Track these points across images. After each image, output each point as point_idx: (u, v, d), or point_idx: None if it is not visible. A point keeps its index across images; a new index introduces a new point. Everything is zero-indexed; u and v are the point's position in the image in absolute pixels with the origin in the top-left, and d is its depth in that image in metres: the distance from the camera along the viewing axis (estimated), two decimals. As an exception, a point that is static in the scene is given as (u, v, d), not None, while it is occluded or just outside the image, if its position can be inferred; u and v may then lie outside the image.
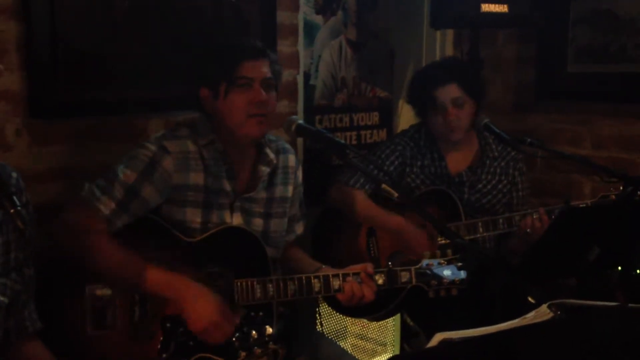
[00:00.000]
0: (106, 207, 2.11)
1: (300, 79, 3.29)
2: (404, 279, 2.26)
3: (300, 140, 3.25)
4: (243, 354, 1.67)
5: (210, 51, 2.32)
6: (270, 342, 1.67)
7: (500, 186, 3.04)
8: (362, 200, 2.90)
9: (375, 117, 3.90)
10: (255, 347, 1.66)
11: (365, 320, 3.76)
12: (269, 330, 1.68)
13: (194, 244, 2.22)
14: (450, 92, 2.89)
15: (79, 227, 2.09)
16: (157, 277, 2.07)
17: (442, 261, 2.27)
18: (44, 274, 2.12)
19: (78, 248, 2.07)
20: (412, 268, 2.26)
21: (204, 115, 2.32)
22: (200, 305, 2.06)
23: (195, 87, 2.29)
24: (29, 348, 1.83)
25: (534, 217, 2.81)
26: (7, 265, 1.74)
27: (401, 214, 2.81)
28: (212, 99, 2.26)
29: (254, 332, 1.67)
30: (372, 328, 3.92)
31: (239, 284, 2.18)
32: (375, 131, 3.91)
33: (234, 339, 1.65)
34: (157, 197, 2.19)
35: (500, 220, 2.86)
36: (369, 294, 2.24)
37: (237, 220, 2.31)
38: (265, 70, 2.26)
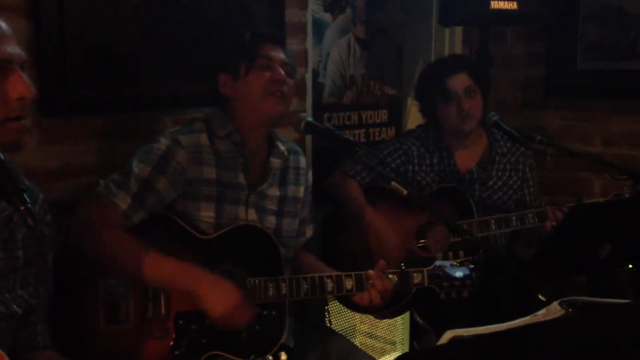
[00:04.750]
0: (123, 202, 2.12)
1: (308, 77, 3.28)
2: (416, 280, 2.27)
3: (309, 139, 3.25)
4: None
5: (230, 38, 2.37)
6: None
7: (510, 182, 3.03)
8: (350, 187, 2.90)
9: (384, 115, 3.90)
10: None
11: (373, 318, 3.76)
12: (284, 356, 1.72)
13: (208, 242, 2.22)
14: (462, 80, 2.91)
15: (97, 222, 2.10)
16: (173, 269, 2.07)
17: (455, 263, 2.27)
18: (57, 269, 2.14)
19: (95, 243, 2.08)
20: (425, 270, 2.26)
21: (220, 108, 2.33)
22: (217, 293, 2.06)
23: (213, 75, 2.32)
24: (41, 357, 1.83)
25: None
26: (26, 278, 1.75)
27: (412, 213, 2.81)
28: (231, 82, 2.29)
29: (270, 357, 1.69)
30: (381, 326, 3.92)
31: (251, 282, 2.18)
32: (383, 129, 3.90)
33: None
34: (171, 190, 2.20)
35: (513, 218, 2.85)
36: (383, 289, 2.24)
37: (251, 216, 2.32)
38: (282, 55, 2.31)
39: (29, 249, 1.76)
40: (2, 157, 1.51)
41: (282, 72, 2.27)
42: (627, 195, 2.77)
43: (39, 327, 1.83)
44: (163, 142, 2.21)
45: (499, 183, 3.02)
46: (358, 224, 2.84)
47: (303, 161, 2.51)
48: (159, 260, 2.07)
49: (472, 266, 2.25)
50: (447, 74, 2.92)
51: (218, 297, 2.05)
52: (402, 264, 2.29)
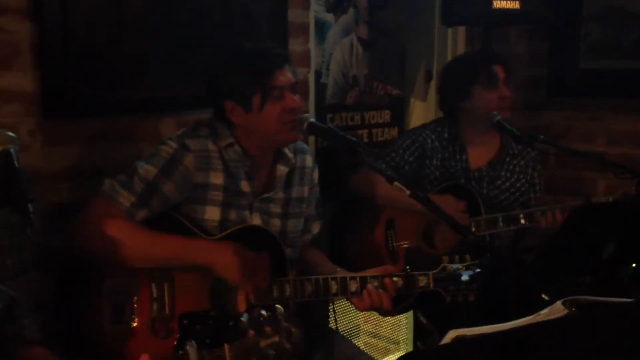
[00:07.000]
0: (126, 200, 2.13)
1: (311, 78, 3.29)
2: (422, 284, 2.25)
3: (311, 140, 3.25)
4: (252, 332, 1.63)
5: (239, 64, 2.28)
6: (283, 321, 1.64)
7: (518, 184, 3.04)
8: (385, 182, 2.89)
9: (386, 115, 3.90)
10: (266, 326, 1.62)
11: (378, 318, 3.76)
12: (280, 309, 1.65)
13: None
14: (501, 70, 2.96)
15: (100, 218, 2.10)
16: (185, 246, 2.12)
17: (461, 266, 2.25)
18: (62, 271, 2.15)
19: (99, 235, 2.07)
20: (431, 273, 2.25)
21: (220, 119, 2.31)
22: (229, 259, 2.09)
23: (217, 99, 2.28)
24: (28, 353, 1.82)
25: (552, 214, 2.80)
26: (2, 271, 1.73)
27: (419, 210, 2.79)
28: (242, 112, 2.24)
29: (263, 311, 1.63)
30: (385, 326, 3.92)
31: None
32: (386, 129, 3.90)
33: (242, 318, 1.63)
34: (177, 194, 2.20)
35: (521, 215, 2.84)
36: (387, 303, 2.23)
37: (256, 220, 2.32)
38: (290, 75, 2.27)
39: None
40: (17, 166, 1.51)
41: (295, 99, 2.25)
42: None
43: (24, 321, 1.80)
44: (171, 145, 2.21)
45: (507, 184, 3.02)
46: (410, 211, 2.77)
47: (309, 160, 2.50)
48: (170, 241, 2.11)
49: (478, 270, 2.22)
50: (492, 62, 2.97)
51: (232, 263, 2.09)
52: (407, 267, 2.28)
